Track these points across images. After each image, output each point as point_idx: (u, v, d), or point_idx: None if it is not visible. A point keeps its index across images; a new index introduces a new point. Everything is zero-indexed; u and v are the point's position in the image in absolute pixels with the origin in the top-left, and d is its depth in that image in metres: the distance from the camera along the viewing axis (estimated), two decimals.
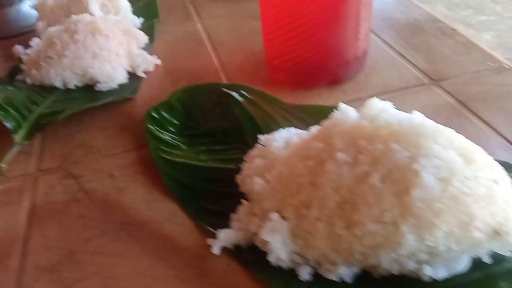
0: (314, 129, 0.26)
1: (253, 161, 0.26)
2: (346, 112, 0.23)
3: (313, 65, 0.35)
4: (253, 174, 0.25)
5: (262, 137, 0.28)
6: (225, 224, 0.24)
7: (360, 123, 0.22)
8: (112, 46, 0.39)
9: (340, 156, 0.21)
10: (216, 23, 0.49)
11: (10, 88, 0.38)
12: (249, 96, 0.34)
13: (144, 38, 0.42)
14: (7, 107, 0.34)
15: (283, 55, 0.36)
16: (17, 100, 0.35)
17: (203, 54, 0.43)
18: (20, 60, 0.43)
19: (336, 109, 0.25)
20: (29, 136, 0.32)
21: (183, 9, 0.52)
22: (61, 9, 0.46)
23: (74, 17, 0.40)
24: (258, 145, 0.28)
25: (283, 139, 0.27)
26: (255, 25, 0.47)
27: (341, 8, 0.32)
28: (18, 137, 0.32)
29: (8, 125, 0.32)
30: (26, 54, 0.43)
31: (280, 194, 0.23)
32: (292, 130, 0.28)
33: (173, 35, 0.47)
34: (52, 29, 0.40)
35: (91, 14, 0.44)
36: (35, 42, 0.41)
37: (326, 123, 0.23)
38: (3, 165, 0.31)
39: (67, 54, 0.38)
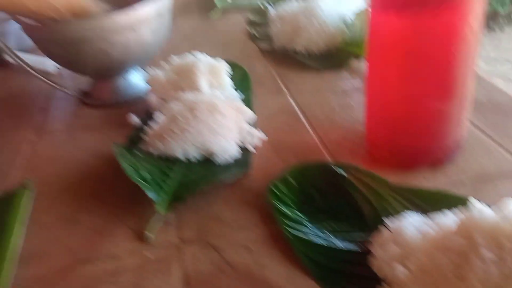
0: (445, 220, 0.29)
1: (386, 246, 0.29)
2: (483, 211, 0.26)
3: (417, 147, 0.39)
4: (390, 260, 0.28)
5: (389, 222, 0.31)
6: None
7: (500, 223, 0.25)
8: (227, 123, 0.44)
9: (485, 253, 0.24)
10: (306, 97, 0.53)
11: (141, 156, 0.43)
12: (359, 177, 0.37)
13: (251, 114, 0.47)
14: (147, 178, 0.39)
15: (386, 135, 0.40)
16: (153, 171, 0.40)
17: (300, 129, 0.48)
18: (137, 128, 0.49)
19: (445, 194, 0.29)
20: (170, 207, 0.37)
21: (272, 82, 0.58)
22: (171, 84, 0.52)
23: (193, 95, 0.46)
24: (385, 230, 0.31)
25: (412, 226, 0.30)
26: (342, 100, 0.52)
27: (450, 99, 0.36)
28: (160, 208, 0.36)
29: (151, 196, 0.37)
30: (139, 123, 0.49)
31: (425, 283, 0.26)
32: (417, 217, 0.31)
33: (268, 108, 0.52)
34: (175, 107, 0.45)
35: (199, 90, 0.50)
36: (159, 117, 0.46)
37: (463, 218, 0.27)
38: (152, 235, 0.35)
39: (189, 129, 0.43)
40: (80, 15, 0.48)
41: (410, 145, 0.39)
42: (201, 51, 0.64)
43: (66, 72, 0.65)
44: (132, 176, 0.38)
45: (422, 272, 0.26)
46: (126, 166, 0.39)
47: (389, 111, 0.38)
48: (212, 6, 0.84)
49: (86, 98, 0.58)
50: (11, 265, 0.34)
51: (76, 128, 0.53)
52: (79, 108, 0.57)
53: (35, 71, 0.55)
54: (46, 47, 0.50)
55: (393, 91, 0.37)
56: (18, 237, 0.36)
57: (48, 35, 0.47)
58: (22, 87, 0.66)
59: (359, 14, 0.67)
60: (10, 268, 0.33)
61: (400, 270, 0.27)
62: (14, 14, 0.45)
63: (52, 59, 0.53)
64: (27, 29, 0.49)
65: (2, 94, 0.63)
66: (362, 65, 0.58)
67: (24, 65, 0.54)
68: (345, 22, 0.64)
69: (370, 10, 0.37)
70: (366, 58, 0.39)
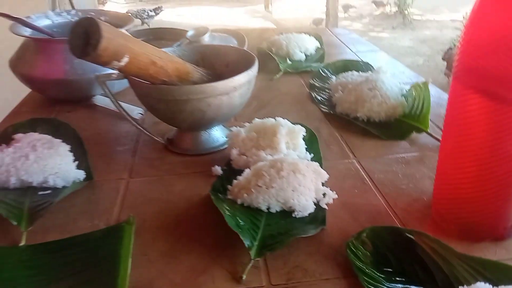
0: None
1: None
2: None
3: (482, 225, 0.43)
4: None
5: None
6: None
7: None
8: (307, 182, 0.50)
9: None
10: (370, 162, 0.59)
11: (230, 204, 0.49)
12: (428, 243, 0.42)
13: (326, 176, 0.53)
14: (241, 225, 0.44)
15: (454, 211, 0.45)
16: (244, 219, 0.46)
17: (368, 192, 0.53)
18: (219, 178, 0.56)
19: None
20: (261, 254, 0.42)
21: (338, 146, 0.64)
22: (251, 141, 0.59)
23: (277, 156, 0.52)
24: None
25: None
26: (405, 169, 0.57)
27: None
28: (253, 253, 0.42)
29: (246, 242, 0.43)
30: (221, 173, 0.56)
31: None
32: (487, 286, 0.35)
33: (336, 171, 0.58)
34: (261, 164, 0.52)
35: (277, 149, 0.56)
36: (246, 172, 0.52)
37: None
38: (244, 276, 0.40)
39: (274, 185, 0.49)
40: (184, 78, 0.57)
41: (476, 222, 0.43)
42: (270, 110, 0.72)
43: (148, 118, 0.74)
44: (230, 223, 0.44)
45: None
46: (226, 214, 0.45)
47: (460, 190, 0.43)
48: (272, 67, 0.93)
49: (170, 145, 0.65)
50: None
51: (163, 172, 0.60)
52: (163, 154, 0.64)
53: (130, 117, 0.63)
54: (150, 102, 0.58)
55: (466, 173, 0.42)
56: (127, 268, 0.42)
57: (157, 94, 0.55)
58: (108, 128, 0.75)
59: (414, 86, 0.74)
60: None
61: None
62: (136, 77, 0.53)
63: (152, 112, 0.61)
64: (137, 87, 0.57)
65: (91, 133, 0.70)
66: (422, 138, 0.64)
67: (123, 112, 0.63)
68: (404, 95, 0.71)
69: (451, 91, 0.43)
70: (441, 139, 0.45)
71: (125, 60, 0.45)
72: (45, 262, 0.44)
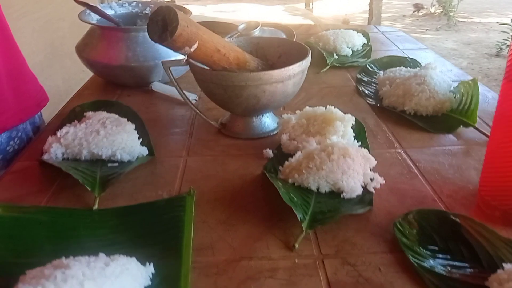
0: None
1: (505, 285, 0.36)
2: None
3: None
4: None
5: (507, 266, 0.38)
6: None
7: None
8: (355, 166, 0.53)
9: None
10: (417, 153, 0.61)
11: (283, 182, 0.52)
12: (473, 227, 0.44)
13: (374, 161, 0.55)
14: (294, 200, 0.48)
15: (501, 200, 0.46)
16: (296, 195, 0.49)
17: (414, 179, 0.55)
18: (271, 160, 0.59)
19: None
20: (312, 227, 0.46)
21: (385, 137, 0.66)
22: (301, 127, 0.62)
23: (329, 141, 0.55)
24: (502, 272, 0.38)
25: None
26: (451, 160, 0.59)
27: None
28: (305, 226, 0.45)
29: (299, 215, 0.46)
30: (272, 156, 0.60)
31: None
32: None
33: (383, 159, 0.60)
34: (312, 147, 0.55)
35: (326, 136, 0.60)
36: (298, 154, 0.56)
37: None
38: (296, 245, 0.44)
39: (324, 168, 0.52)
40: (242, 67, 0.61)
41: None
42: (317, 101, 0.75)
43: (201, 104, 0.79)
44: (285, 197, 0.48)
45: None
46: (281, 190, 0.49)
47: (506, 178, 0.45)
48: (319, 61, 0.96)
49: (223, 129, 0.69)
50: (189, 252, 0.44)
51: (217, 152, 0.64)
52: (217, 137, 0.69)
53: (189, 102, 0.68)
54: (209, 87, 0.63)
55: None
56: (190, 231, 0.46)
57: (217, 80, 0.60)
58: (166, 112, 0.80)
59: (462, 83, 0.75)
60: (189, 254, 0.43)
61: None
62: (201, 63, 0.58)
63: (209, 96, 0.65)
64: (198, 72, 0.62)
65: (150, 116, 0.76)
66: (469, 133, 0.65)
67: (184, 96, 0.67)
68: (452, 91, 0.72)
69: (503, 89, 0.44)
70: (490, 132, 0.47)
71: (195, 46, 0.50)
72: (115, 224, 0.49)
